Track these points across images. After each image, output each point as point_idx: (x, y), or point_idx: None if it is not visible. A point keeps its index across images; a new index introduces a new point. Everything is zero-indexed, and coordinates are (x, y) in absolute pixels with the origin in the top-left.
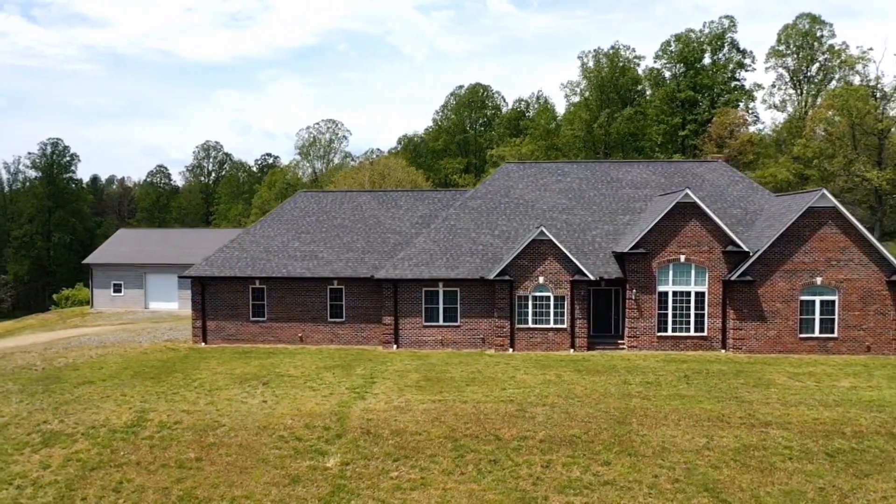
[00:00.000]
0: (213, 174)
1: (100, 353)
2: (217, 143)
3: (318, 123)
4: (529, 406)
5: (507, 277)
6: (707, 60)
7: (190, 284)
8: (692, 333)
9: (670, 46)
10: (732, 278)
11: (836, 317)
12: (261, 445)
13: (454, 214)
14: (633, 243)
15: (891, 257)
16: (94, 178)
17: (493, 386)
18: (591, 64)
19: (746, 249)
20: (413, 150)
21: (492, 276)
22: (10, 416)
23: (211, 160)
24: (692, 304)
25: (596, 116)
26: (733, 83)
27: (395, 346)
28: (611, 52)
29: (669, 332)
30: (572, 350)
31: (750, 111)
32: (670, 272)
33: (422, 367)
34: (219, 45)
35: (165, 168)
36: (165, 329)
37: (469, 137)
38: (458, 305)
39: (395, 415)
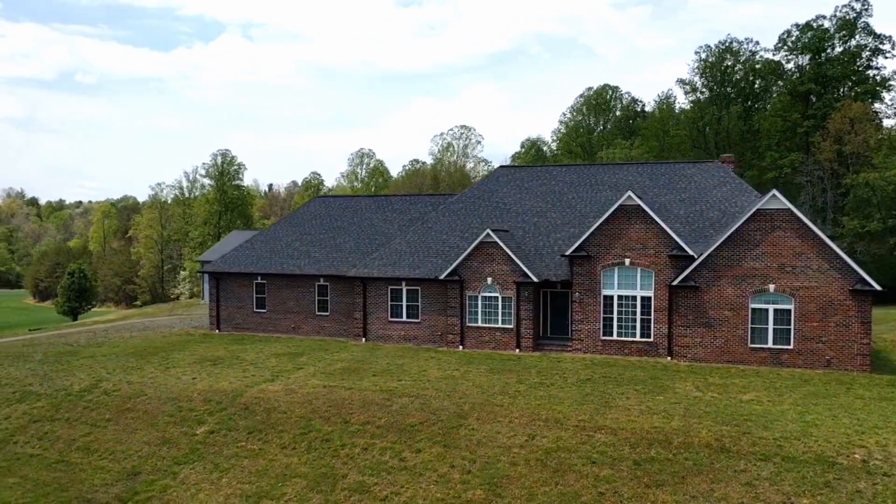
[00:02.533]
0: (366, 179)
1: (133, 336)
2: (370, 150)
3: (451, 129)
4: (399, 396)
5: (456, 278)
6: (838, 49)
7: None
8: (638, 339)
9: (790, 36)
10: (676, 283)
11: (792, 327)
12: (159, 412)
13: (434, 217)
14: (575, 246)
15: (854, 265)
16: (270, 186)
17: (393, 377)
18: (711, 59)
19: (692, 253)
20: (535, 153)
21: (442, 277)
22: (10, 378)
23: (364, 167)
24: (638, 309)
25: (704, 115)
26: (868, 72)
27: (363, 340)
28: (730, 45)
29: (615, 337)
30: (518, 350)
31: (891, 103)
32: (615, 276)
33: (360, 359)
34: (416, 54)
35: (319, 175)
36: (206, 318)
37: (593, 140)
38: (420, 303)
39: (280, 396)
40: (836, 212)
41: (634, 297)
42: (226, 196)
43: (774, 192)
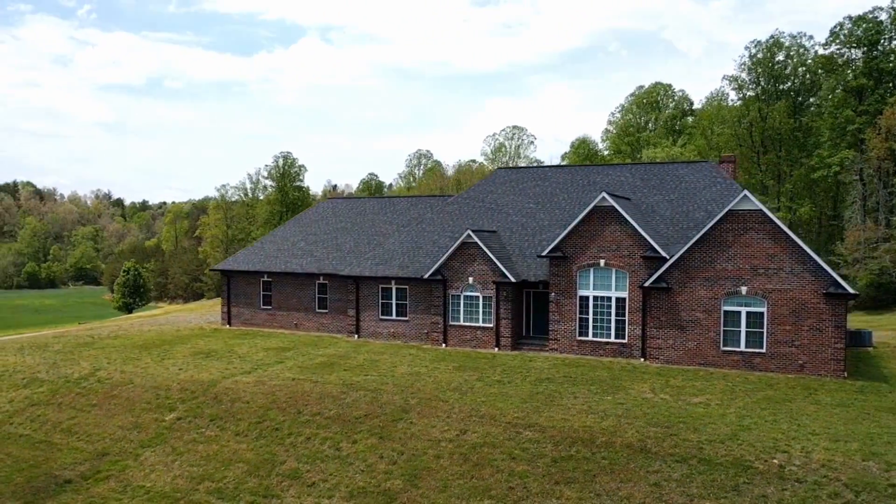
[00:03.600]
0: (421, 180)
1: (150, 329)
2: (428, 150)
3: (504, 130)
4: (356, 390)
5: (439, 277)
6: (895, 42)
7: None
8: (612, 340)
9: (843, 29)
10: (647, 284)
11: (765, 330)
12: (139, 400)
13: (429, 217)
14: (551, 247)
15: (828, 268)
16: (335, 186)
17: (361, 372)
18: (759, 54)
19: (664, 255)
20: (584, 153)
21: (426, 276)
22: (24, 365)
23: (421, 167)
24: (613, 310)
25: (750, 112)
26: None
27: (356, 336)
28: (779, 40)
29: (590, 337)
30: (497, 349)
31: None
32: (591, 276)
33: (341, 355)
34: (492, 54)
35: (376, 175)
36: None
37: (641, 140)
38: (408, 302)
39: (249, 387)
40: (888, 212)
41: (609, 298)
42: (287, 197)
43: (746, 192)
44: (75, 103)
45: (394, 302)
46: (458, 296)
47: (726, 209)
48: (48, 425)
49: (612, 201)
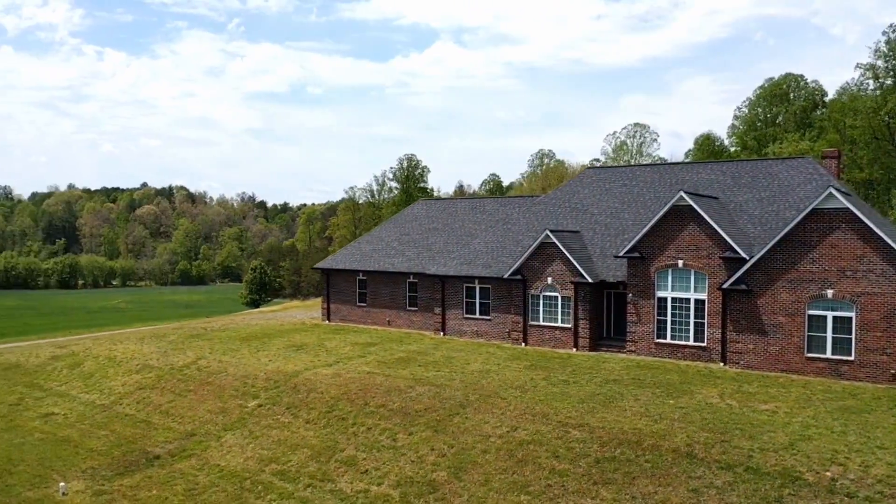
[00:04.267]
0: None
1: (259, 323)
2: (550, 150)
3: (626, 128)
4: (423, 385)
5: (519, 277)
6: None
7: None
8: (691, 343)
9: None
10: (726, 286)
11: (853, 337)
12: (228, 387)
13: (515, 217)
14: (628, 247)
15: None
16: (460, 187)
17: (434, 368)
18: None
19: (744, 256)
20: (708, 149)
21: (506, 276)
22: (140, 353)
23: (543, 167)
24: (692, 312)
25: (888, 102)
26: None
27: (441, 334)
28: None
29: (668, 340)
30: (575, 349)
31: None
32: (669, 277)
33: (421, 352)
34: (627, 49)
35: (497, 175)
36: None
37: (768, 134)
38: (491, 301)
39: (327, 379)
40: None
41: (688, 300)
42: (411, 198)
43: (832, 189)
44: (226, 111)
45: (477, 301)
46: (538, 295)
47: (809, 207)
48: (150, 407)
49: (689, 200)
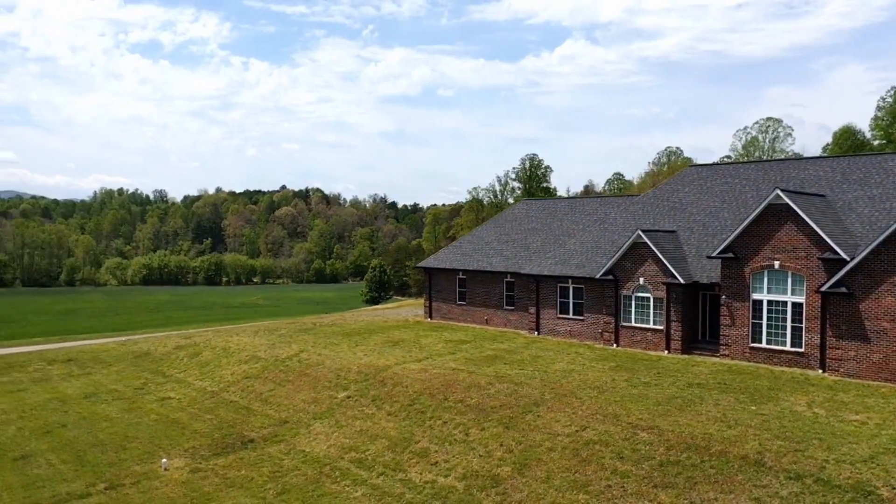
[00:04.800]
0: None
1: (365, 320)
2: (678, 148)
3: (757, 122)
4: (503, 382)
5: (611, 277)
6: None
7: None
8: (788, 348)
9: None
10: (825, 289)
11: None
12: (323, 379)
13: (612, 217)
14: (721, 247)
15: None
16: (585, 187)
17: (519, 367)
18: None
19: (845, 257)
20: (848, 143)
21: (598, 276)
22: (250, 345)
23: (668, 165)
24: (788, 316)
25: None
26: None
27: (535, 333)
28: None
29: (763, 344)
30: (666, 351)
31: None
32: (765, 279)
33: (511, 350)
34: (770, 38)
35: (621, 175)
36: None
37: None
38: (584, 301)
39: (413, 374)
40: None
41: (784, 303)
42: (533, 198)
43: None
44: (360, 115)
45: (571, 300)
46: (630, 296)
47: None
48: (252, 395)
49: (786, 198)
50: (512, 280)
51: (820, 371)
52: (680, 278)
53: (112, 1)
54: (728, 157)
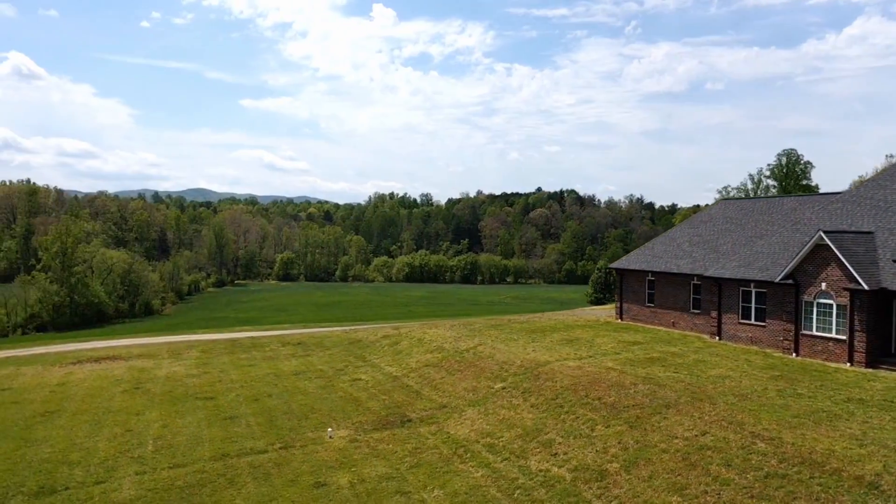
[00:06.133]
0: None
1: (559, 319)
2: None
3: None
4: (645, 384)
5: (791, 282)
6: None
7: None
8: None
9: None
10: None
11: None
12: (487, 370)
13: (807, 217)
14: None
15: None
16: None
17: (676, 370)
18: None
19: None
20: None
21: (777, 280)
22: (439, 337)
23: None
24: None
25: None
26: None
27: (717, 338)
28: None
29: None
30: (849, 364)
31: None
32: None
33: (679, 353)
34: None
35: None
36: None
37: None
38: (766, 306)
39: (567, 370)
40: None
41: None
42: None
43: None
44: (622, 114)
45: (753, 305)
46: (811, 302)
47: None
48: (425, 381)
49: None
50: (699, 283)
51: None
52: (864, 284)
53: (388, 19)
54: None
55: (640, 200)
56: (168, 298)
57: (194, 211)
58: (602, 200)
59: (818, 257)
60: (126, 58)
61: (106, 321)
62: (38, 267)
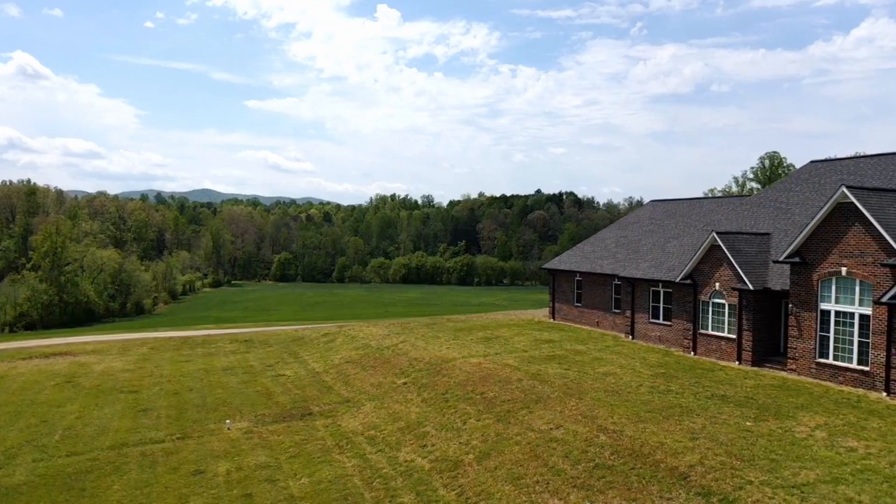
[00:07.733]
0: None
1: (495, 318)
2: None
3: None
4: (532, 380)
5: (689, 282)
6: None
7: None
8: (853, 365)
9: None
10: (885, 299)
11: None
12: (396, 366)
13: (718, 218)
14: (788, 251)
15: None
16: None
17: (568, 367)
18: None
19: None
20: None
21: (677, 280)
22: (371, 335)
23: None
24: (856, 330)
25: None
26: None
27: (630, 337)
28: None
29: (830, 360)
30: (737, 363)
31: None
32: (832, 287)
33: (582, 351)
34: None
35: None
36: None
37: None
38: (672, 306)
39: (466, 367)
40: None
41: (852, 315)
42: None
43: None
44: (627, 116)
45: (661, 305)
46: (707, 302)
47: None
48: (340, 377)
49: (851, 196)
50: (619, 283)
51: (884, 394)
52: (749, 284)
53: (392, 20)
54: None
55: (639, 202)
56: (161, 298)
57: (194, 212)
58: (601, 202)
59: (713, 258)
60: (131, 58)
61: (96, 320)
62: (28, 266)
